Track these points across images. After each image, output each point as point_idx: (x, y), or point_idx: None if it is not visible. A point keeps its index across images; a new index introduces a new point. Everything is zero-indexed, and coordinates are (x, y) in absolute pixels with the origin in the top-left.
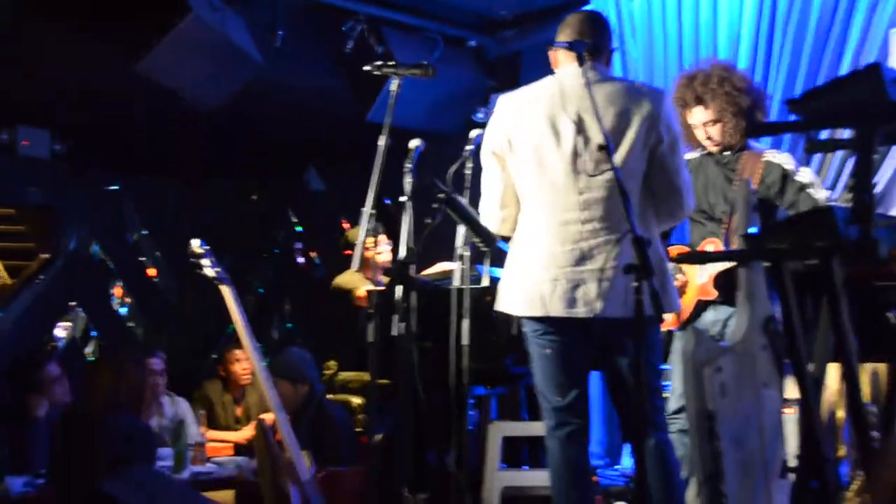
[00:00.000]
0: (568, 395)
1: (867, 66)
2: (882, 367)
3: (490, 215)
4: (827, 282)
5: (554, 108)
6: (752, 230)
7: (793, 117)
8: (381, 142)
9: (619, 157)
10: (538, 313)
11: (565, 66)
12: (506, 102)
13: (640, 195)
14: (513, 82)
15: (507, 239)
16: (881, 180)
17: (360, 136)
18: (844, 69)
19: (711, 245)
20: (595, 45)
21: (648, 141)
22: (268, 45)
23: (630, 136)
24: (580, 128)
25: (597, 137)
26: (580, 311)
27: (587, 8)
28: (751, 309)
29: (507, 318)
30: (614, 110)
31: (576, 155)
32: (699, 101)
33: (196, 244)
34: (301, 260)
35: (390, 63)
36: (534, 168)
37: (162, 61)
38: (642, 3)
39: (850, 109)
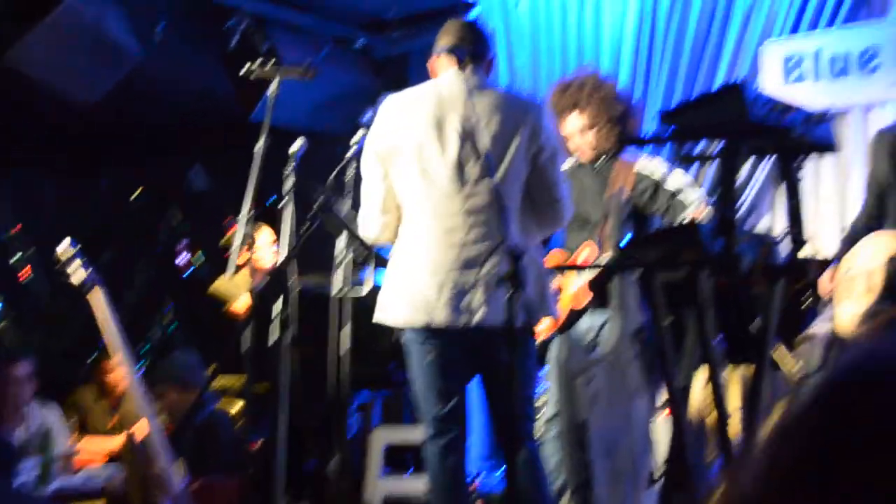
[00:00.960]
0: (448, 404)
1: (731, 84)
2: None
3: (370, 221)
4: (693, 294)
5: (438, 114)
6: (624, 242)
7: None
8: (259, 145)
9: (502, 166)
10: (422, 322)
11: (446, 73)
12: (389, 106)
13: (521, 203)
14: (400, 83)
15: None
16: (749, 195)
17: (247, 135)
18: (719, 81)
19: (587, 249)
20: (475, 52)
21: (530, 151)
22: (148, 39)
23: (514, 145)
24: (465, 135)
25: (481, 145)
26: (464, 319)
27: (474, 11)
28: (622, 320)
29: None
30: (498, 119)
31: (460, 162)
32: (574, 106)
33: (63, 248)
34: (184, 259)
35: (269, 64)
36: (417, 173)
37: (32, 52)
38: (528, 11)
39: (715, 126)
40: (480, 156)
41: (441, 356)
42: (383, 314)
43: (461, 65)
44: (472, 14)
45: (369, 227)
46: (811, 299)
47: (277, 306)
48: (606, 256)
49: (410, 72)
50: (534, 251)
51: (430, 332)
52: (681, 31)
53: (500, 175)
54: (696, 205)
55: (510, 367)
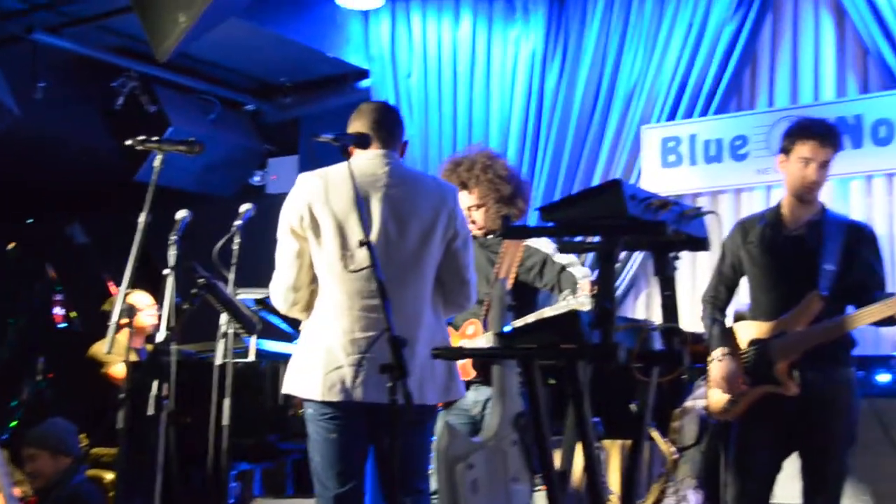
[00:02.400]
0: (347, 484)
1: (610, 181)
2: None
3: (280, 295)
4: (572, 381)
5: (359, 195)
6: (506, 329)
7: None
8: (141, 219)
9: (425, 249)
10: (336, 398)
11: (364, 154)
12: (309, 181)
13: (434, 287)
14: (290, 148)
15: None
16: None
17: (129, 192)
18: (603, 161)
19: (472, 326)
20: (393, 134)
21: (447, 235)
22: (28, 97)
23: (435, 228)
24: (385, 217)
25: (400, 228)
26: (371, 397)
27: (367, 81)
28: (502, 405)
29: (273, 394)
30: (419, 204)
31: (378, 244)
32: (464, 186)
33: None
34: (58, 316)
35: (153, 139)
36: (337, 251)
37: None
38: (419, 81)
39: (594, 220)
40: (398, 239)
41: (345, 434)
42: (295, 387)
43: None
44: (365, 84)
45: (279, 301)
46: (686, 377)
47: (156, 383)
48: (488, 337)
49: (301, 137)
50: (445, 332)
51: (338, 409)
52: (566, 109)
53: (425, 257)
54: (586, 279)
55: (392, 450)
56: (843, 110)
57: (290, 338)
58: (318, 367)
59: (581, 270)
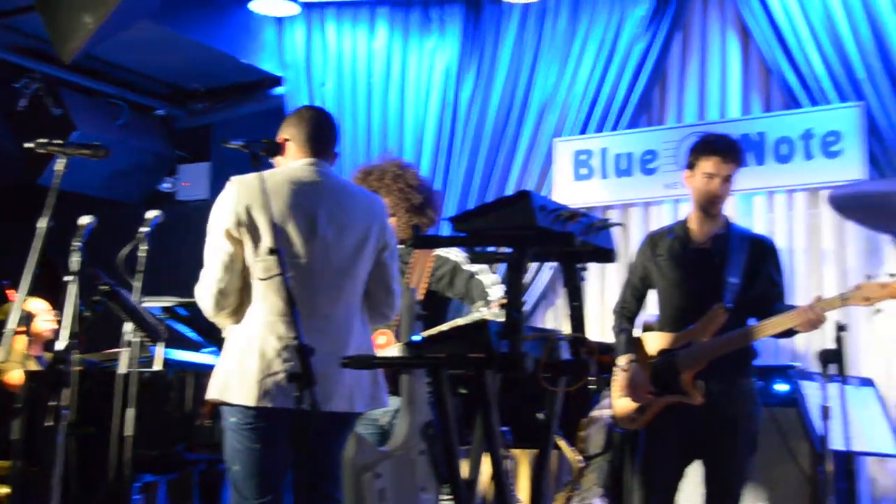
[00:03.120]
0: (268, 494)
1: (519, 192)
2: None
3: (210, 299)
4: (480, 391)
5: (295, 203)
6: (415, 338)
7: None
8: (42, 224)
9: (358, 258)
10: (270, 405)
11: (298, 162)
12: (246, 184)
13: (362, 295)
14: (202, 155)
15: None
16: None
17: (32, 197)
18: (516, 172)
19: (383, 336)
20: (329, 143)
21: (378, 246)
22: None
23: (368, 238)
24: (321, 226)
25: (332, 237)
26: (293, 403)
27: (281, 88)
28: (411, 415)
29: (180, 404)
30: (353, 214)
31: (312, 251)
32: (375, 193)
33: None
34: None
35: (55, 142)
36: (275, 257)
37: None
38: (334, 90)
39: (504, 231)
40: (335, 248)
41: (269, 443)
42: (222, 393)
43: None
44: (279, 91)
45: (208, 305)
46: (594, 386)
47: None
48: (399, 347)
49: (213, 144)
50: (370, 342)
51: (262, 417)
52: (481, 120)
53: (357, 267)
54: (496, 288)
55: (325, 454)
56: (747, 128)
57: (197, 346)
58: (251, 373)
59: (490, 277)
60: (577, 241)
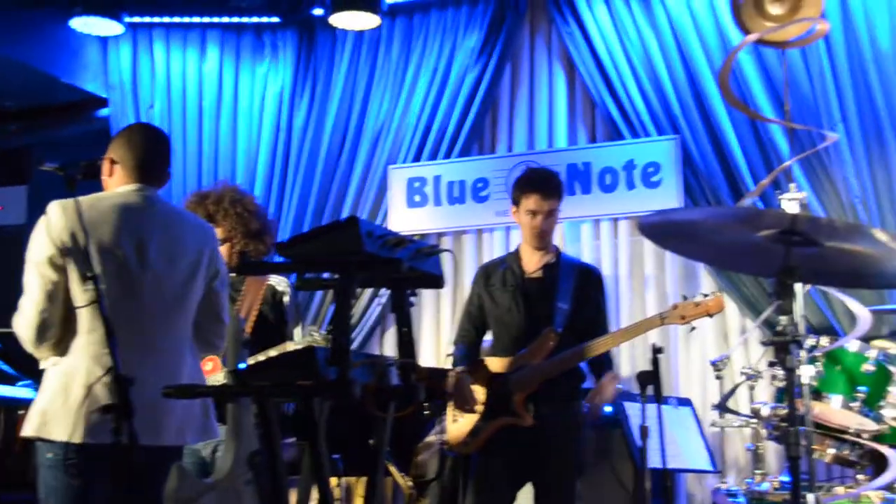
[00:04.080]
0: None
1: (346, 218)
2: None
3: (31, 331)
4: (307, 418)
5: (124, 229)
6: (241, 366)
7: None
8: None
9: (189, 288)
10: (97, 440)
11: (127, 187)
12: (69, 209)
13: (191, 324)
14: (19, 177)
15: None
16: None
17: None
18: (350, 200)
19: (210, 363)
20: (159, 166)
21: (208, 273)
22: None
23: (199, 266)
24: (150, 254)
25: (162, 265)
26: (150, 440)
27: (106, 110)
28: (236, 444)
29: None
30: (184, 241)
31: (141, 280)
32: (211, 219)
33: None
34: None
35: None
36: (102, 285)
37: None
38: (162, 113)
39: (331, 257)
40: (166, 276)
41: (91, 479)
42: (43, 429)
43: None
44: (104, 112)
45: (29, 336)
46: (429, 412)
47: None
48: (224, 373)
49: (32, 166)
50: (201, 372)
51: (85, 454)
52: (314, 147)
53: (187, 295)
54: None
55: (150, 488)
56: (573, 157)
57: (13, 380)
58: (74, 406)
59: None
60: (404, 267)
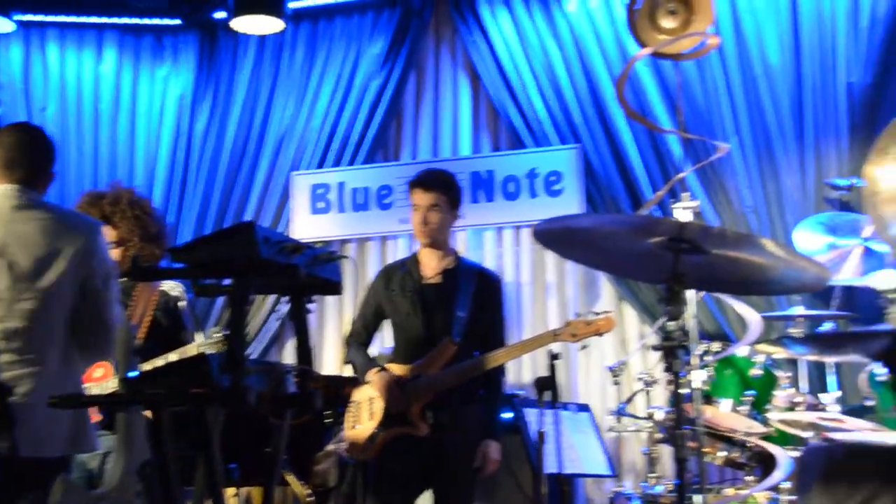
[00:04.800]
0: None
1: (242, 223)
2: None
3: None
4: (202, 427)
5: None
6: (131, 374)
7: None
8: None
9: (55, 289)
10: None
11: None
12: None
13: (66, 331)
14: None
15: None
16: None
17: None
18: (252, 205)
19: (101, 369)
20: (31, 166)
21: (79, 275)
22: None
23: (59, 268)
24: (4, 253)
25: (22, 265)
26: (33, 451)
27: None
28: (127, 454)
29: None
30: (40, 242)
31: (12, 286)
32: (107, 220)
33: None
34: None
35: None
36: None
37: None
38: (56, 115)
39: (226, 262)
40: (26, 280)
41: None
42: None
43: (12, 179)
44: None
45: None
46: (331, 420)
47: None
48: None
49: None
50: (76, 380)
51: None
52: (216, 152)
53: (45, 299)
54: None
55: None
56: (477, 165)
57: None
58: None
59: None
60: (301, 273)
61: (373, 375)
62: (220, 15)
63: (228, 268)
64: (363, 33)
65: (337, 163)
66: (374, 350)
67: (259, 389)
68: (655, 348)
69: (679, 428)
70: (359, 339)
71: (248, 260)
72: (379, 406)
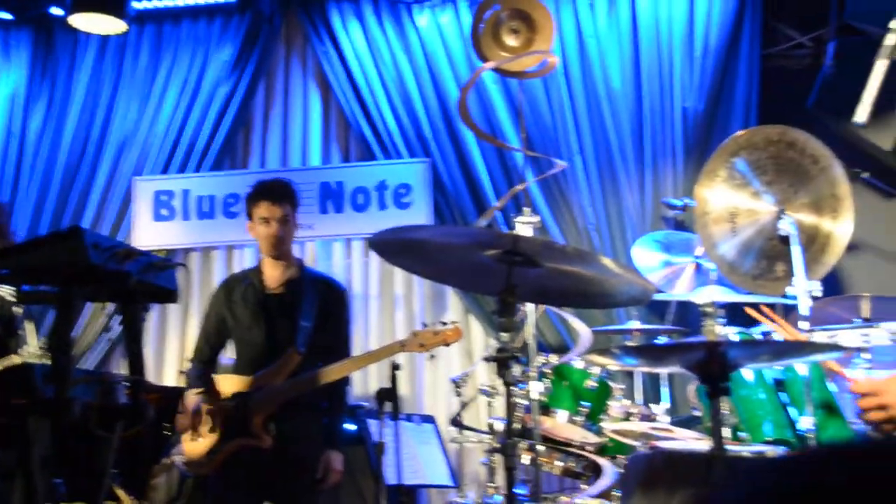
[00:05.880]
0: None
1: (70, 227)
2: None
3: None
4: (22, 437)
5: None
6: None
7: None
8: None
9: None
10: None
11: None
12: None
13: None
14: None
15: None
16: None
17: None
18: (91, 210)
19: None
20: None
21: None
22: None
23: None
24: None
25: None
26: None
27: None
28: None
29: None
30: None
31: None
32: None
33: None
34: None
35: None
36: None
37: None
38: None
39: (52, 268)
40: None
41: None
42: None
43: None
44: None
45: None
46: (171, 431)
47: None
48: None
49: None
50: None
51: None
52: (52, 154)
53: None
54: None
55: None
56: (327, 176)
57: None
58: None
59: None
60: (132, 280)
61: (191, 397)
62: (56, 11)
63: (54, 273)
64: (211, 38)
65: (182, 169)
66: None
67: (86, 400)
68: (487, 360)
69: (510, 438)
70: (202, 356)
71: (74, 266)
72: (219, 419)
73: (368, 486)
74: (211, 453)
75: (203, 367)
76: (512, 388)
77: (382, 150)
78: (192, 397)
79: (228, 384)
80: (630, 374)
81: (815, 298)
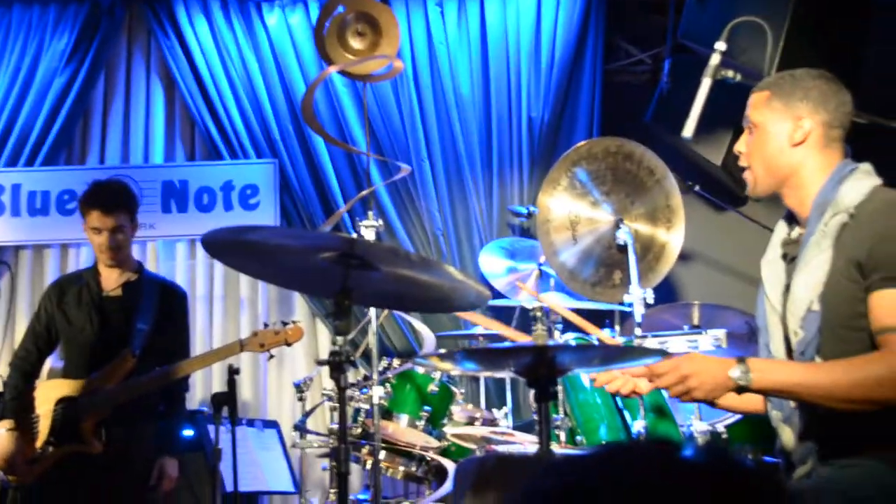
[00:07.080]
0: None
1: None
2: None
3: None
4: None
5: None
6: None
7: None
8: None
9: None
10: None
11: None
12: None
13: None
14: None
15: None
16: None
17: None
18: None
19: None
20: None
21: None
22: None
23: None
24: None
25: None
26: None
27: None
28: None
29: None
30: None
31: None
32: None
33: None
34: None
35: None
36: None
37: None
38: None
39: None
40: None
41: None
42: None
43: None
44: None
45: None
46: None
47: None
48: None
49: None
50: None
51: None
52: None
53: None
54: None
55: None
56: (170, 174)
57: None
58: None
59: None
60: None
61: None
62: None
63: None
64: (46, 26)
65: (12, 163)
66: (46, 366)
67: None
68: (320, 363)
69: (344, 443)
70: (26, 360)
71: None
72: (45, 424)
73: (206, 494)
74: (32, 461)
75: (24, 375)
76: (347, 391)
77: (229, 149)
78: (3, 428)
79: (55, 389)
80: (476, 380)
81: (648, 305)
